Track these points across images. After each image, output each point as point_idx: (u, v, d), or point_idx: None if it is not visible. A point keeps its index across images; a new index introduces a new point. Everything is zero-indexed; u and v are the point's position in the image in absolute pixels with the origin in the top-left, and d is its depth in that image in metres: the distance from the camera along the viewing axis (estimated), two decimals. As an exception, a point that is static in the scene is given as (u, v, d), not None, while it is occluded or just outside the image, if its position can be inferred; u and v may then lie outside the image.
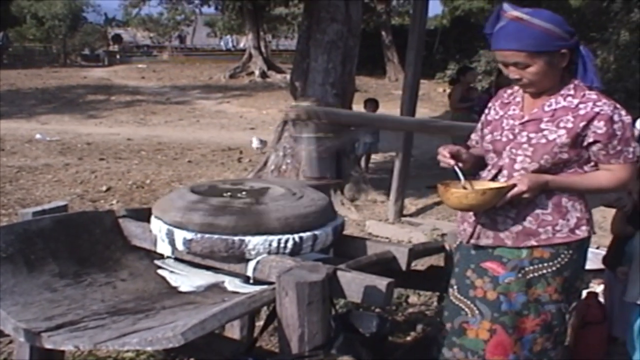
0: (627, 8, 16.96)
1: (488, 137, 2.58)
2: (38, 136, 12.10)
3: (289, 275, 2.16)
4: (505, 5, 2.37)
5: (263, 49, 29.74)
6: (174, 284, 2.68)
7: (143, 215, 2.96)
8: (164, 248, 2.74)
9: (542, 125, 2.40)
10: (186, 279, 2.69)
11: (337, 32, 7.54)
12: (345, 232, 3.00)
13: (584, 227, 2.46)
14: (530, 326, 2.48)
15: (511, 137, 2.48)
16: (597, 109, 2.33)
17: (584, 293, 3.40)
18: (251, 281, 2.58)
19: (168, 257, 2.81)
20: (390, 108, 13.35)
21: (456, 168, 2.47)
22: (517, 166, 2.45)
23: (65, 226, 2.80)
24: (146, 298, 2.52)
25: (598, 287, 4.12)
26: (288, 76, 12.41)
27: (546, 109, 2.42)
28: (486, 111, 2.71)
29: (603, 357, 3.49)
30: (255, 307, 2.24)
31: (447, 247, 3.05)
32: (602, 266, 3.75)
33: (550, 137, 2.37)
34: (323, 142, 3.68)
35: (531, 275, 2.45)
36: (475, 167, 2.63)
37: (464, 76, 10.02)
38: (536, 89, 2.43)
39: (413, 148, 7.40)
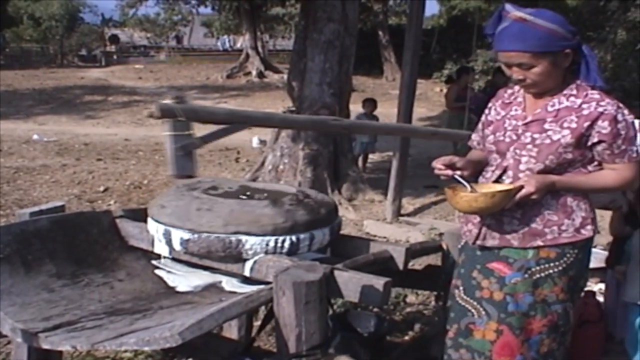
0: (624, 7, 16.95)
1: (490, 138, 2.57)
2: (35, 137, 12.08)
3: (286, 275, 2.16)
4: (508, 6, 2.36)
5: (260, 49, 29.76)
6: (171, 284, 2.69)
7: (140, 215, 2.96)
8: (161, 248, 2.74)
9: (546, 126, 2.40)
10: (183, 279, 2.69)
11: (334, 31, 7.54)
12: (343, 232, 3.00)
13: (589, 227, 2.46)
14: (538, 327, 2.47)
15: (515, 137, 2.47)
16: (600, 109, 2.32)
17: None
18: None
19: (165, 257, 2.81)
20: (387, 108, 13.37)
21: (456, 177, 2.46)
22: (522, 167, 2.45)
23: (62, 227, 2.80)
24: (143, 298, 2.52)
25: (595, 286, 4.13)
26: (285, 76, 12.41)
27: (549, 109, 2.41)
28: (486, 111, 2.70)
29: (600, 355, 3.50)
30: (252, 307, 2.24)
31: (445, 247, 3.05)
32: (599, 265, 3.76)
33: (555, 138, 2.37)
34: (182, 139, 3.59)
35: (537, 275, 2.45)
36: (475, 174, 2.62)
37: (466, 74, 10.04)
38: (539, 89, 2.43)
39: (410, 147, 7.41)
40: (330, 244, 2.80)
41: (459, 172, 2.46)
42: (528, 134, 2.43)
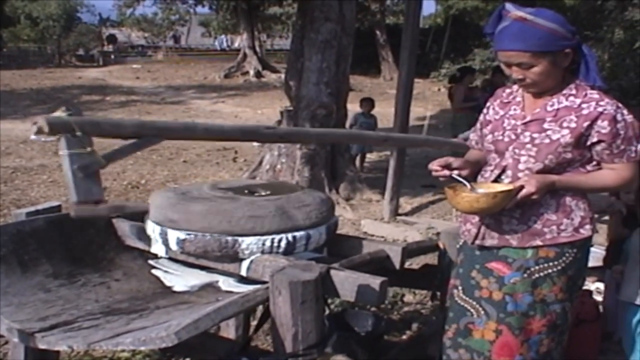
0: (622, 6, 16.98)
1: (489, 137, 2.57)
2: (33, 137, 12.07)
3: (282, 275, 2.16)
4: (508, 5, 2.36)
5: (257, 49, 29.78)
6: (168, 283, 2.68)
7: (137, 215, 2.96)
8: (157, 248, 2.74)
9: (545, 125, 2.39)
10: (180, 279, 2.69)
11: (331, 31, 7.55)
12: (340, 232, 3.00)
13: (587, 226, 2.46)
14: (537, 327, 2.47)
15: (513, 137, 2.47)
16: (600, 109, 2.32)
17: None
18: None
19: (162, 257, 2.80)
20: (385, 107, 13.38)
21: (455, 176, 2.46)
22: (521, 166, 2.45)
23: (59, 226, 2.80)
24: (140, 298, 2.52)
25: (592, 285, 4.14)
26: (283, 76, 12.41)
27: (549, 108, 2.41)
28: (484, 111, 2.69)
29: (597, 354, 3.50)
30: (248, 307, 2.24)
31: (441, 246, 3.05)
32: (596, 264, 3.76)
33: (554, 137, 2.37)
34: (82, 159, 2.96)
35: (537, 275, 2.44)
36: (473, 174, 2.62)
37: (471, 75, 10.05)
38: (539, 89, 2.42)
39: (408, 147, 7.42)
40: (326, 243, 2.79)
41: (456, 172, 2.46)
42: (527, 133, 2.43)
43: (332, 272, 2.31)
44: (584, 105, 2.35)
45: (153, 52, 42.14)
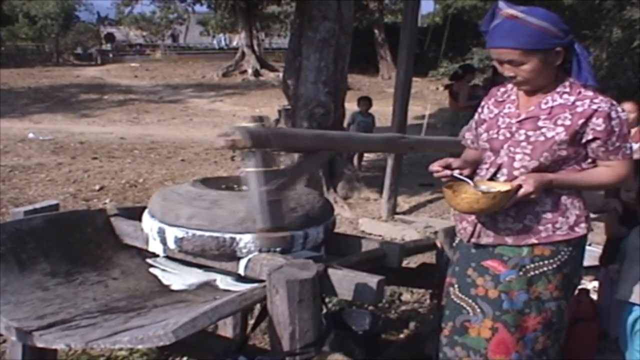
0: (620, 5, 16.97)
1: (484, 136, 2.58)
2: (31, 135, 12.06)
3: (279, 273, 2.16)
4: (501, 3, 2.37)
5: (256, 48, 29.75)
6: (165, 282, 2.69)
7: (135, 213, 2.97)
8: (155, 247, 2.75)
9: (540, 123, 2.40)
10: (178, 277, 2.70)
11: (329, 30, 7.55)
12: (338, 230, 3.01)
13: (582, 225, 2.47)
14: (532, 325, 2.48)
15: (508, 135, 2.48)
16: (594, 106, 2.33)
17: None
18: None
19: (160, 255, 2.81)
20: (383, 106, 13.37)
21: (456, 175, 2.46)
22: (516, 164, 2.45)
23: (56, 225, 2.80)
24: (138, 296, 2.53)
25: (589, 284, 4.14)
26: (281, 74, 12.41)
27: (543, 106, 2.42)
28: (479, 110, 2.71)
29: (594, 353, 3.50)
30: (246, 305, 2.24)
31: (439, 245, 3.06)
32: (593, 263, 3.77)
33: (549, 135, 2.38)
34: (272, 178, 2.45)
35: (532, 273, 2.45)
36: (472, 173, 2.62)
37: (472, 73, 10.04)
38: (531, 86, 2.44)
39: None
40: (324, 242, 2.80)
41: (457, 171, 2.47)
42: (522, 131, 2.44)
43: (330, 270, 2.32)
44: (578, 103, 2.36)
45: (151, 51, 42.07)
